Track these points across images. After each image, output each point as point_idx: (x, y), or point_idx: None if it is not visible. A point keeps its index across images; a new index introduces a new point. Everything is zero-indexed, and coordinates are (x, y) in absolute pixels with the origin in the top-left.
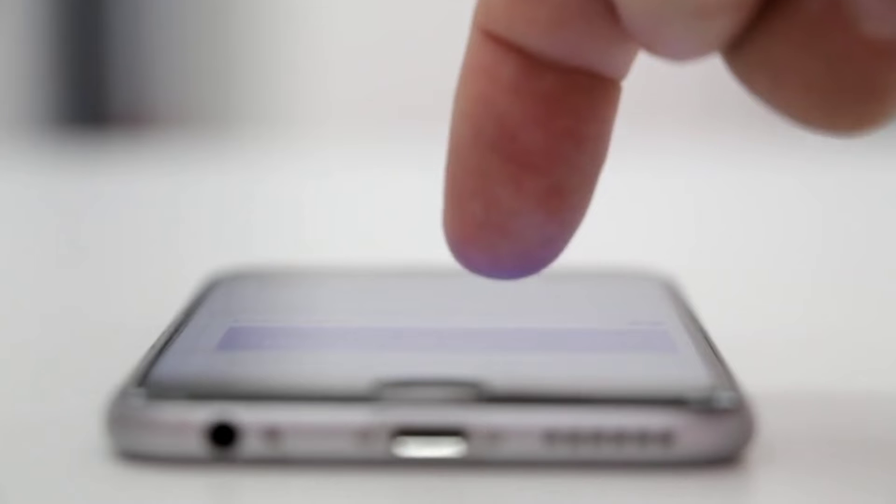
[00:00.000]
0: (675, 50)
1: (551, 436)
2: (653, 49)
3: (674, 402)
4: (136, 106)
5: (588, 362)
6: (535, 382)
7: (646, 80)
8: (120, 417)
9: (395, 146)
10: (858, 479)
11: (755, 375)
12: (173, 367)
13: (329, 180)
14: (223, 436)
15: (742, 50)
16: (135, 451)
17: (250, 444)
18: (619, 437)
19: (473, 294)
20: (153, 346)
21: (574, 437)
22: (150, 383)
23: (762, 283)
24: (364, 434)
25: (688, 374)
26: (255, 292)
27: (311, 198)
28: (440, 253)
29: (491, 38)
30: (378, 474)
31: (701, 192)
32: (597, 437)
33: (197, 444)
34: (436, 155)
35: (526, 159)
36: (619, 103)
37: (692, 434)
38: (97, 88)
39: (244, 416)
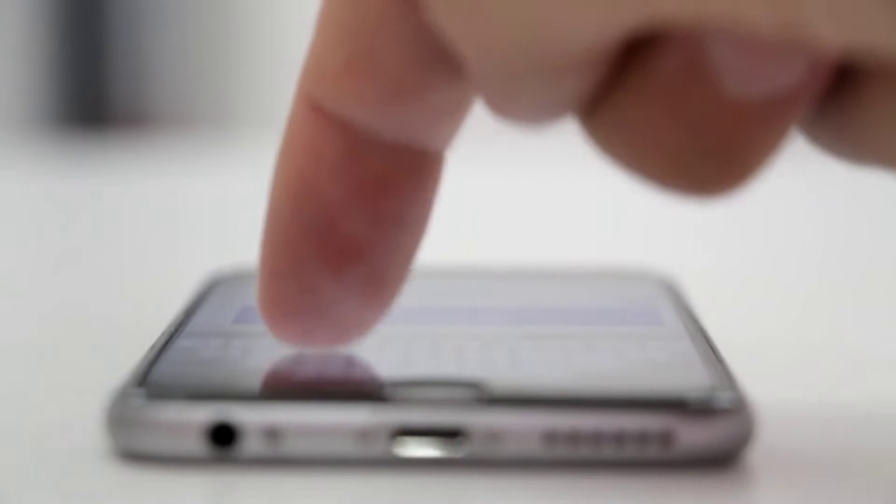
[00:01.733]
0: (527, 111)
1: (551, 436)
2: (503, 112)
3: (674, 402)
4: (136, 106)
5: (588, 362)
6: (535, 383)
7: None
8: (120, 417)
9: None
10: (858, 479)
11: (755, 376)
12: (173, 367)
13: None
14: (223, 436)
15: (598, 113)
16: (135, 451)
17: (250, 444)
18: (619, 437)
19: (473, 294)
20: (153, 346)
21: (574, 437)
22: (150, 383)
23: (762, 284)
24: (364, 434)
25: (688, 375)
26: (255, 292)
27: None
28: (440, 253)
29: (317, 110)
30: (378, 474)
31: None
32: (597, 437)
33: (197, 444)
34: None
35: (347, 247)
36: (442, 175)
37: (692, 434)
38: (97, 88)
39: (244, 416)
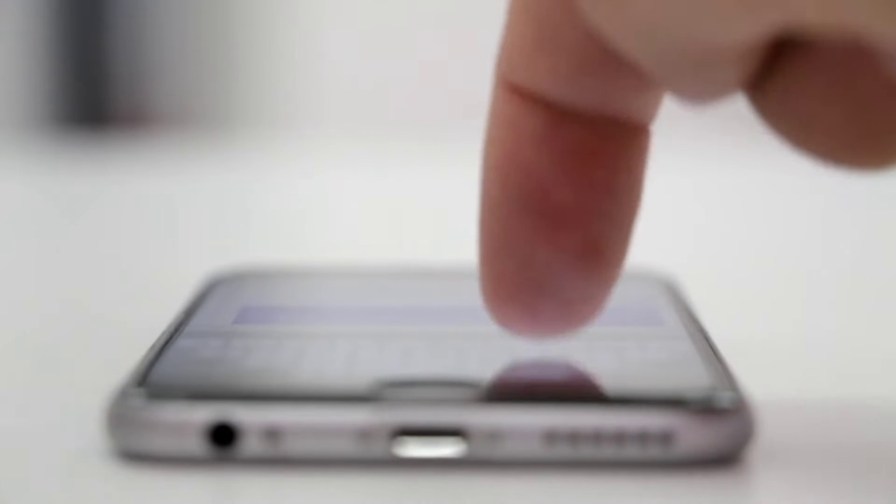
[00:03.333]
0: (690, 96)
1: (551, 436)
2: (671, 93)
3: (674, 402)
4: (136, 106)
5: (588, 362)
6: (536, 382)
7: None
8: (120, 417)
9: (395, 146)
10: (858, 479)
11: (755, 376)
12: (173, 367)
13: (329, 180)
14: (223, 436)
15: (765, 93)
16: (135, 451)
17: (250, 444)
18: (619, 437)
19: (474, 294)
20: (153, 346)
21: (574, 437)
22: (150, 383)
23: (762, 284)
24: (364, 434)
25: (688, 374)
26: (254, 292)
27: (310, 198)
28: (440, 253)
29: (515, 91)
30: (378, 474)
31: (701, 192)
32: (597, 437)
33: (197, 444)
34: (435, 155)
35: (559, 215)
36: (650, 149)
37: (692, 434)
38: (97, 88)
39: (244, 416)
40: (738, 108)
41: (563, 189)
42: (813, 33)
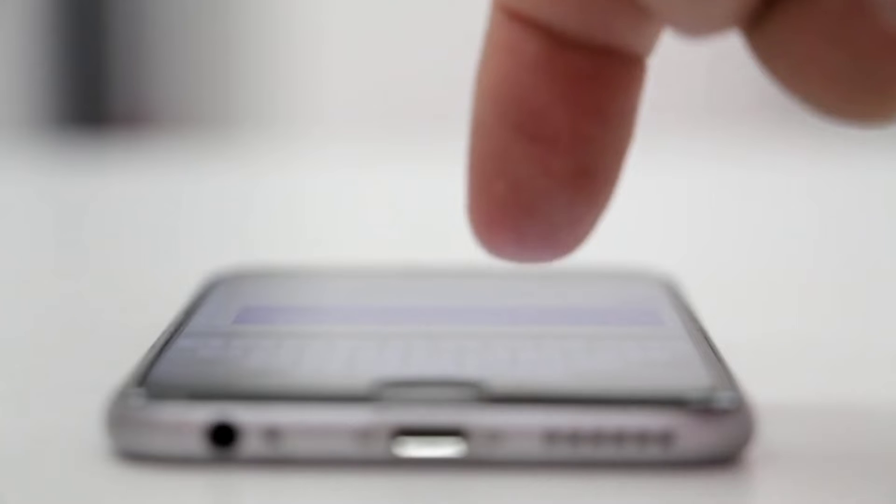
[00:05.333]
0: (687, 26)
1: (551, 436)
2: (668, 24)
3: (674, 402)
4: (136, 106)
5: (588, 362)
6: (535, 382)
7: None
8: (120, 417)
9: (395, 145)
10: (858, 479)
11: (755, 375)
12: (173, 367)
13: (329, 179)
14: (223, 436)
15: (762, 33)
16: (135, 451)
17: (250, 444)
18: (619, 437)
19: (474, 294)
20: (153, 346)
21: (574, 437)
22: (150, 383)
23: (762, 283)
24: (364, 434)
25: (688, 374)
26: (254, 292)
27: (311, 197)
28: (440, 253)
29: (514, 17)
30: (378, 474)
31: (701, 192)
32: (597, 437)
33: (197, 444)
34: (435, 154)
35: (552, 139)
36: (645, 82)
37: (692, 434)
38: (97, 88)
39: (244, 416)
40: (739, 109)
41: (558, 113)
42: None
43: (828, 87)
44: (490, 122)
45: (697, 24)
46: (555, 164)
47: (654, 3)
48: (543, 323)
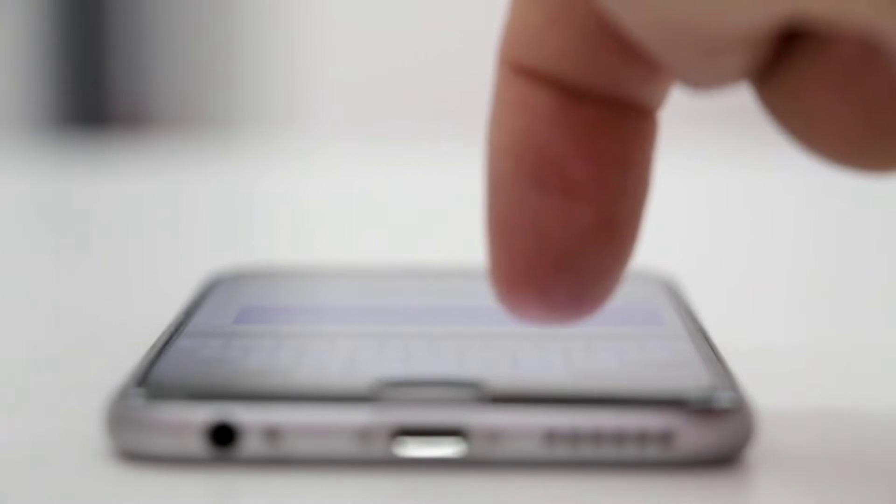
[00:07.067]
0: (696, 81)
1: (551, 436)
2: (677, 79)
3: (674, 402)
4: (136, 106)
5: (588, 362)
6: (535, 382)
7: None
8: (120, 417)
9: (396, 145)
10: (858, 479)
11: (755, 375)
12: (173, 367)
13: (329, 180)
14: (223, 436)
15: (771, 86)
16: (135, 451)
17: (250, 444)
18: (619, 437)
19: (474, 294)
20: (153, 346)
21: (574, 437)
22: (150, 383)
23: (762, 283)
24: (364, 434)
25: (688, 374)
26: (254, 292)
27: (311, 197)
28: (440, 253)
29: (522, 72)
30: (378, 474)
31: (701, 192)
32: (597, 437)
33: (197, 444)
34: (436, 154)
35: (573, 189)
36: (658, 133)
37: (692, 434)
38: (97, 88)
39: (244, 416)
40: (739, 109)
41: (576, 164)
42: (821, 26)
43: (839, 138)
44: (507, 177)
45: (706, 79)
46: (578, 214)
47: (662, 59)
48: None
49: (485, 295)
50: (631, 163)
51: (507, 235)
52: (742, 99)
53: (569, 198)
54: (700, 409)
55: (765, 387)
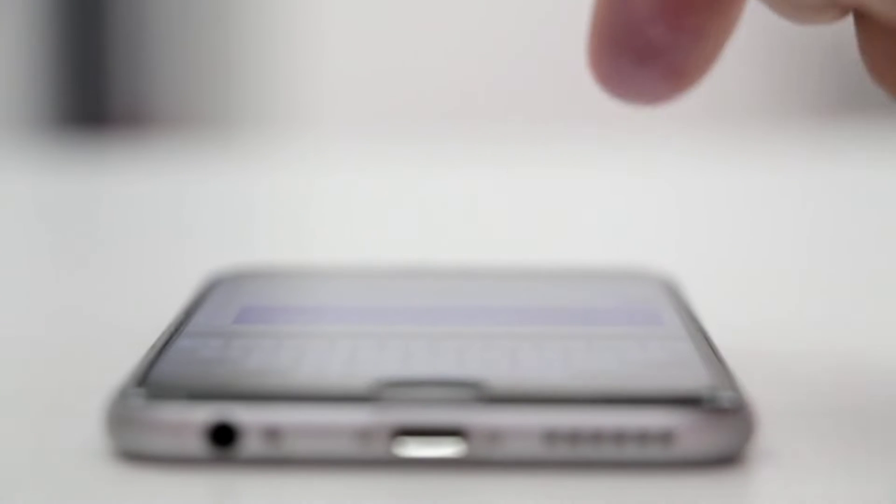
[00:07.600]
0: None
1: (551, 436)
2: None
3: (674, 402)
4: (136, 106)
5: (588, 362)
6: (535, 382)
7: None
8: (120, 417)
9: (396, 145)
10: (858, 478)
11: (755, 375)
12: (173, 367)
13: (329, 179)
14: (223, 436)
15: (871, 31)
16: (135, 451)
17: (250, 444)
18: (619, 437)
19: (474, 294)
20: (153, 346)
21: (574, 437)
22: (150, 383)
23: (762, 283)
24: (364, 434)
25: (688, 374)
26: (254, 292)
27: (311, 197)
28: (440, 253)
29: None
30: (378, 474)
31: (701, 192)
32: (597, 437)
33: (197, 444)
34: (436, 154)
35: (649, 47)
36: (744, 6)
37: (692, 434)
38: (97, 88)
39: (244, 416)
40: (739, 109)
41: (657, 30)
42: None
43: None
44: (600, 18)
45: (793, 13)
46: (648, 63)
47: None
48: (543, 323)
49: (485, 295)
50: (709, 33)
51: (602, 38)
52: (742, 99)
53: (644, 52)
54: (700, 409)
55: (765, 387)
